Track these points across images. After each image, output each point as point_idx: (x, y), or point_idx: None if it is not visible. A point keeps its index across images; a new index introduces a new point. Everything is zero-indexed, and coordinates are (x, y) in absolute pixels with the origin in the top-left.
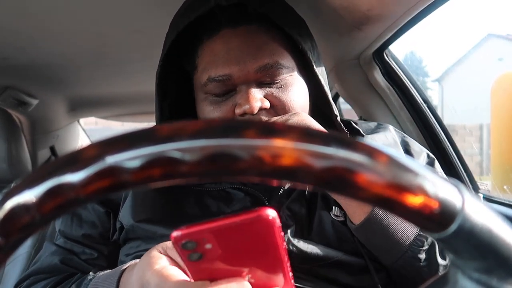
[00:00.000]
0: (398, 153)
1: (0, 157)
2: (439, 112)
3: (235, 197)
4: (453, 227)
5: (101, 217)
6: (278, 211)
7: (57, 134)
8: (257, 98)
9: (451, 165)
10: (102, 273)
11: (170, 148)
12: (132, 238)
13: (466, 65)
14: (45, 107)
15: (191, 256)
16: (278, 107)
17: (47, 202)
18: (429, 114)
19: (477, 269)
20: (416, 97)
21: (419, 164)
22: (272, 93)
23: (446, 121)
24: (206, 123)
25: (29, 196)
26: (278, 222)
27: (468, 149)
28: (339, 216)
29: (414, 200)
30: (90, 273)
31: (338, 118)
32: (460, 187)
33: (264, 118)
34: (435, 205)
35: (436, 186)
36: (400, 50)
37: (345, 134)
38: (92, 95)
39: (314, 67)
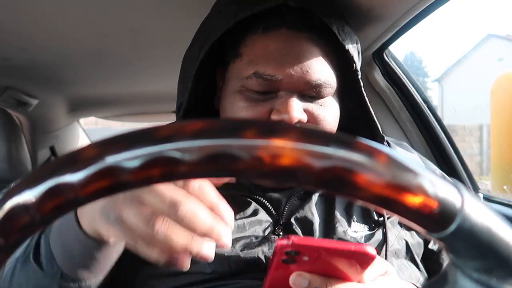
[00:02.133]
0: (398, 153)
1: (0, 157)
2: (439, 113)
3: (243, 205)
4: (452, 226)
5: None
6: (287, 220)
7: (57, 134)
8: (298, 109)
9: (451, 165)
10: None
11: (170, 148)
12: None
13: (466, 65)
14: (45, 107)
15: (286, 260)
16: (311, 123)
17: (46, 202)
18: (429, 115)
19: (476, 269)
20: (416, 98)
21: (419, 163)
22: (312, 108)
23: (446, 121)
24: (206, 123)
25: (29, 196)
26: (375, 257)
27: (468, 149)
28: (358, 231)
29: (414, 200)
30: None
31: (385, 140)
32: (459, 187)
33: None
34: (434, 205)
35: (436, 185)
36: (400, 50)
37: (346, 134)
38: (92, 95)
39: (362, 89)
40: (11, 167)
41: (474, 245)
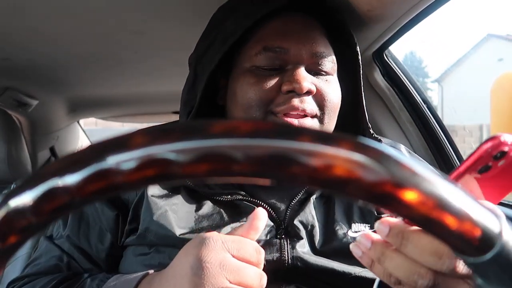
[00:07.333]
0: (446, 179)
1: None
2: (439, 113)
3: (243, 210)
4: (490, 254)
5: (110, 222)
6: (289, 224)
7: (57, 135)
8: (308, 79)
9: (450, 166)
10: (115, 279)
11: (165, 150)
12: (142, 244)
13: (466, 66)
14: (45, 108)
15: (481, 168)
16: (318, 97)
17: (43, 205)
18: (429, 115)
19: None
20: (416, 98)
21: (465, 191)
22: (319, 83)
23: (446, 122)
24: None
25: (25, 199)
26: None
27: (468, 150)
28: (358, 231)
29: (460, 225)
30: (89, 278)
31: (371, 130)
32: (498, 214)
33: (307, 104)
34: (477, 232)
35: (480, 213)
36: (400, 50)
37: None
38: (92, 96)
39: (361, 78)
40: (11, 168)
41: (508, 273)
